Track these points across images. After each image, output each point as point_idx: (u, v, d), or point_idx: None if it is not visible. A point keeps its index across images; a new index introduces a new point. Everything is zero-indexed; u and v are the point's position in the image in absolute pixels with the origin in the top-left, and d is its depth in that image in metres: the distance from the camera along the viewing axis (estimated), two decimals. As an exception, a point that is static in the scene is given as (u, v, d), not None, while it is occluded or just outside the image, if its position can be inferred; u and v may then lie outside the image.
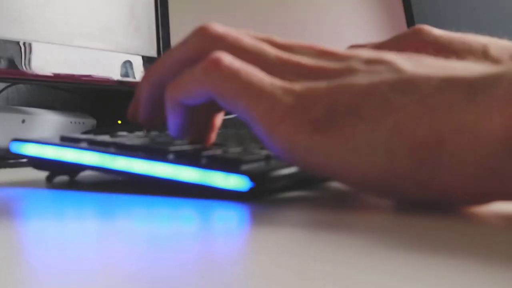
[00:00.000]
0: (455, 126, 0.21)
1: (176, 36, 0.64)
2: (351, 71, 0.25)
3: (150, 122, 0.31)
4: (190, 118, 0.28)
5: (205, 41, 0.27)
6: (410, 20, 0.89)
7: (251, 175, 0.26)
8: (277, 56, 0.26)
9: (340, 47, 0.28)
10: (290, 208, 0.25)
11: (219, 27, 0.28)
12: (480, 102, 0.21)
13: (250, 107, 0.24)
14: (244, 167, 0.27)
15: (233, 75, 0.25)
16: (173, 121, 0.28)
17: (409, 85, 0.23)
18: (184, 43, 0.28)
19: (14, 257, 0.16)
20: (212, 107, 0.29)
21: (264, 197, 0.27)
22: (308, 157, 0.24)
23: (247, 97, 0.24)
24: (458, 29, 0.36)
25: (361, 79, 0.24)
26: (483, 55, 0.34)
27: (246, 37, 0.27)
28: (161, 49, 0.63)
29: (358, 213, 0.24)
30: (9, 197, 0.29)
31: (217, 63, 0.25)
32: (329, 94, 0.24)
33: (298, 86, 0.24)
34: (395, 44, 0.35)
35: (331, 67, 0.25)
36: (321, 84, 0.24)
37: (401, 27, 0.88)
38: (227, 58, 0.25)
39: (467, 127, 0.21)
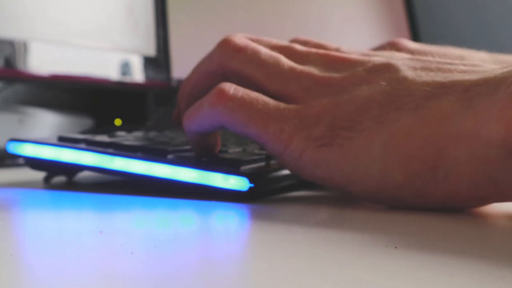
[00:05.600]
0: (451, 134, 0.21)
1: (175, 35, 0.64)
2: (355, 82, 0.26)
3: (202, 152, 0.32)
4: (213, 139, 0.29)
5: (226, 54, 0.29)
6: (412, 19, 0.89)
7: (250, 175, 0.26)
8: (291, 68, 0.27)
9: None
10: (289, 208, 0.25)
11: (239, 40, 0.29)
12: (477, 108, 0.21)
13: (260, 133, 0.26)
14: (244, 167, 0.27)
15: (238, 105, 0.26)
16: (193, 145, 0.29)
17: (405, 95, 0.23)
18: (209, 56, 0.30)
19: (12, 258, 0.16)
20: None
21: (263, 197, 0.27)
22: (315, 172, 0.25)
23: (255, 124, 0.26)
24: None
25: (360, 92, 0.25)
26: None
27: (264, 49, 0.28)
28: (160, 47, 0.63)
29: (358, 212, 0.24)
30: (6, 198, 0.28)
31: (222, 96, 0.26)
32: (329, 111, 0.25)
33: (301, 106, 0.26)
34: None
35: (337, 78, 0.26)
36: (323, 101, 0.25)
37: (402, 26, 0.88)
38: (231, 88, 0.26)
39: (463, 135, 0.21)
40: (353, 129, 0.24)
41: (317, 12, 0.78)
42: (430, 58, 0.26)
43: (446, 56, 0.35)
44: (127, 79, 0.60)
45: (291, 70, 0.27)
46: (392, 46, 0.37)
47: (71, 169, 0.32)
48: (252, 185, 0.26)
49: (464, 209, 0.24)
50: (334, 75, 0.26)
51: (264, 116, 0.25)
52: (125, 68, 0.60)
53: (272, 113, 0.26)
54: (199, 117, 0.27)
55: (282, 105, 0.26)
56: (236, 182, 0.26)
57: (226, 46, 0.29)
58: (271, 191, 0.28)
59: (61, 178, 0.33)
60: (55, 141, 0.31)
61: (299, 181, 0.30)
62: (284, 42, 0.30)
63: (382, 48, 0.37)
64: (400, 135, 0.23)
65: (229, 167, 0.27)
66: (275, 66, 0.28)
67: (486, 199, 0.23)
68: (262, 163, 0.29)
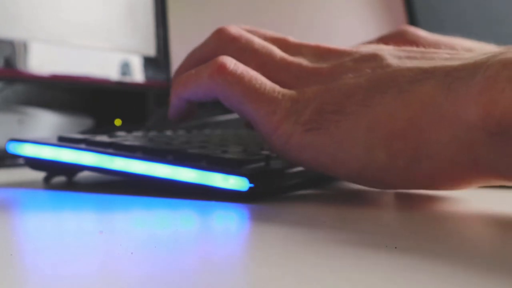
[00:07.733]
0: (433, 117, 0.22)
1: (175, 35, 0.64)
2: (342, 70, 0.26)
3: (178, 118, 0.33)
4: (194, 107, 0.31)
5: (220, 43, 0.30)
6: (412, 20, 0.89)
7: (250, 175, 0.26)
8: (282, 58, 0.29)
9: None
10: (289, 208, 0.25)
11: (234, 30, 0.30)
12: (457, 91, 0.22)
13: (252, 111, 0.27)
14: (244, 167, 0.27)
15: (236, 81, 0.27)
16: (175, 110, 0.30)
17: (389, 80, 0.24)
18: (203, 44, 0.31)
19: (12, 258, 0.16)
20: None
21: (263, 197, 0.27)
22: (301, 155, 0.25)
23: (249, 102, 0.27)
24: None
25: (347, 79, 0.26)
26: None
27: (257, 39, 0.30)
28: (160, 47, 0.63)
29: (358, 213, 0.24)
30: (5, 198, 0.28)
31: (222, 69, 0.27)
32: (318, 96, 0.26)
33: (294, 91, 0.27)
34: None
35: (326, 68, 0.27)
36: (313, 88, 0.26)
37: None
38: (231, 63, 0.27)
39: (445, 117, 0.22)
40: (340, 113, 0.25)
41: (316, 11, 0.78)
42: (415, 49, 0.27)
43: (455, 48, 0.35)
44: (127, 79, 0.60)
45: (282, 60, 0.28)
46: (401, 34, 0.37)
47: (71, 169, 0.32)
48: (252, 185, 0.26)
49: (446, 190, 0.24)
50: (323, 65, 0.27)
51: (260, 96, 0.26)
52: (125, 68, 0.60)
53: (267, 94, 0.27)
54: (195, 86, 0.28)
55: (277, 88, 0.27)
56: (236, 182, 0.26)
57: (221, 35, 0.30)
58: (271, 191, 0.28)
59: (61, 178, 0.33)
60: (55, 141, 0.31)
61: (299, 181, 0.30)
62: (278, 34, 0.31)
63: (391, 35, 0.38)
64: (384, 116, 0.23)
65: (229, 167, 0.27)
66: (268, 55, 0.29)
67: (469, 182, 0.23)
68: (262, 163, 0.29)
